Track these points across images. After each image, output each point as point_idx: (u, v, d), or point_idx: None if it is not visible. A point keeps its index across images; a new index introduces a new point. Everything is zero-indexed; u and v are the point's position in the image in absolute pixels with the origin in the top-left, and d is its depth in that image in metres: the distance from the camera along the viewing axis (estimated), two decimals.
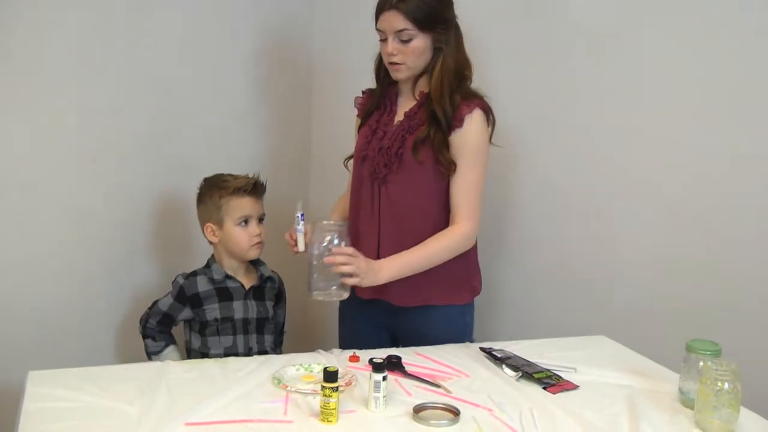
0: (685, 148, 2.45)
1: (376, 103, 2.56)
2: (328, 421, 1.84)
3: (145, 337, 2.69)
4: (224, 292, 2.60)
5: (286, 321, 2.90)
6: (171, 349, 2.70)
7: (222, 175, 2.71)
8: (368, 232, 2.49)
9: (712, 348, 1.95)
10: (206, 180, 2.72)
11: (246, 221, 2.63)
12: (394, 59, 2.38)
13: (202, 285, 2.62)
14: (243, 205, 2.63)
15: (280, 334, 2.79)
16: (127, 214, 3.07)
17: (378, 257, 2.42)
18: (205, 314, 2.57)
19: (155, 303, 2.67)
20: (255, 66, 3.40)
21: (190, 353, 2.65)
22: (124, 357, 3.05)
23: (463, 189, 2.42)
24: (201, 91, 3.22)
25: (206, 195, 2.69)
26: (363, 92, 2.64)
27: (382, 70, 2.52)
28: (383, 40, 2.39)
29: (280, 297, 2.78)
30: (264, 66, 3.43)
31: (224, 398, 1.96)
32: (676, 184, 2.48)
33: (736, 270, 2.34)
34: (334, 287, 2.27)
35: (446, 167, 2.40)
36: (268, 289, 2.70)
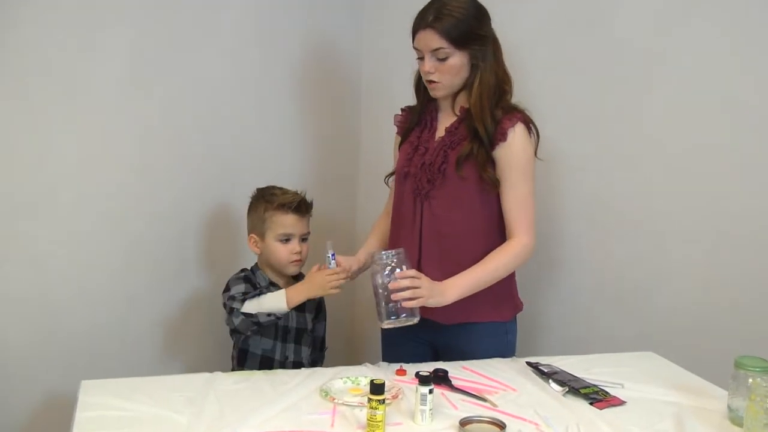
0: (730, 160, 2.45)
1: (416, 119, 2.58)
2: None
3: (241, 304, 2.51)
4: None
5: (332, 336, 2.91)
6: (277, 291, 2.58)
7: (272, 187, 2.72)
8: (409, 248, 2.45)
9: (762, 365, 1.94)
10: (258, 190, 2.74)
11: (288, 239, 2.63)
12: (432, 77, 2.40)
13: (259, 281, 2.64)
14: (286, 222, 2.63)
15: (321, 350, 2.81)
16: (175, 228, 3.09)
17: (419, 269, 2.41)
18: None
19: (227, 292, 2.58)
20: (303, 81, 3.42)
21: (235, 344, 2.65)
22: (173, 370, 3.09)
23: (517, 203, 2.43)
24: (248, 107, 3.25)
25: (254, 205, 2.71)
26: (402, 109, 2.66)
27: (421, 87, 2.54)
28: (420, 59, 2.41)
29: (319, 311, 2.79)
30: (312, 81, 3.46)
31: (272, 409, 1.99)
32: (723, 196, 2.48)
33: None
34: (404, 315, 2.26)
35: (490, 184, 2.41)
36: (308, 302, 2.71)
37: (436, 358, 2.53)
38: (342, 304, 3.35)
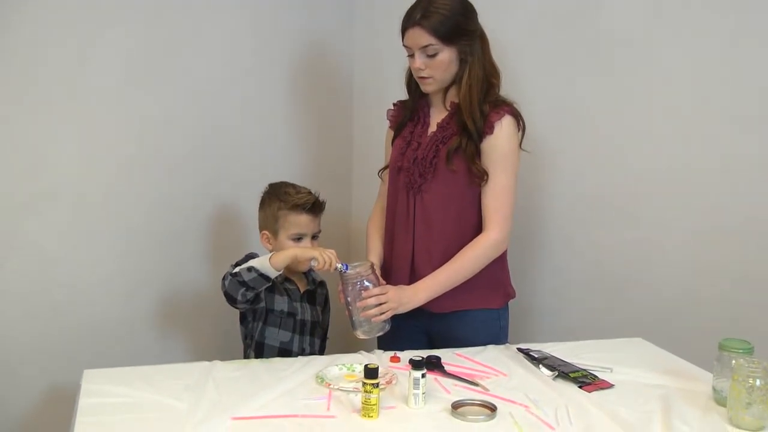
0: (716, 151, 2.50)
1: (409, 115, 2.63)
2: (369, 416, 1.90)
3: (233, 269, 2.49)
4: (285, 292, 2.64)
5: (329, 325, 2.95)
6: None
7: (285, 185, 2.71)
8: (404, 239, 2.56)
9: (745, 346, 1.98)
10: (270, 186, 2.74)
11: (300, 238, 2.65)
12: (422, 73, 2.46)
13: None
14: (299, 221, 2.64)
15: (324, 339, 2.85)
16: (174, 224, 3.13)
17: (412, 263, 2.53)
18: (274, 302, 2.59)
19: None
20: (296, 79, 3.46)
21: (246, 338, 2.67)
22: (174, 360, 3.12)
23: (494, 195, 2.48)
24: (243, 105, 3.28)
25: (267, 202, 2.71)
26: (394, 104, 2.71)
27: (412, 83, 2.59)
28: (411, 56, 2.46)
29: (326, 302, 2.82)
30: (305, 79, 3.49)
31: (269, 395, 2.04)
32: (707, 187, 2.53)
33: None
34: (376, 328, 2.40)
35: (479, 176, 2.46)
36: (319, 294, 2.75)
37: (431, 346, 2.58)
38: (337, 295, 3.39)
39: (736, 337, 2.04)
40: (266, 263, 2.40)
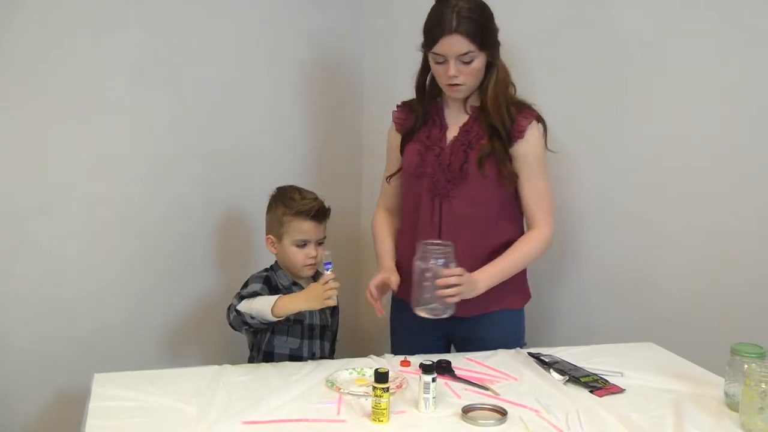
0: (730, 153, 2.48)
1: (421, 118, 2.58)
2: (379, 420, 1.90)
3: (240, 302, 2.48)
4: None
5: (339, 330, 2.95)
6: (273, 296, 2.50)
7: (292, 189, 2.70)
8: None
9: (757, 351, 1.98)
10: (278, 190, 2.73)
11: (304, 244, 2.64)
12: (456, 81, 2.41)
13: (281, 281, 2.65)
14: (303, 228, 2.62)
15: (333, 342, 2.84)
16: (184, 227, 3.12)
17: None
18: None
19: (244, 288, 2.58)
20: (306, 81, 3.45)
21: (252, 349, 2.67)
22: (182, 365, 3.12)
23: (537, 195, 2.51)
24: (253, 107, 3.27)
25: (273, 207, 2.70)
26: (399, 106, 2.67)
27: (425, 87, 2.56)
28: (441, 63, 2.40)
29: (335, 306, 2.82)
30: (315, 81, 3.49)
31: (280, 399, 2.04)
32: (721, 189, 2.51)
33: None
34: (441, 308, 2.34)
35: (509, 179, 2.46)
36: None
37: (448, 349, 2.57)
38: (348, 298, 3.38)
39: (748, 342, 2.03)
40: (268, 312, 2.36)
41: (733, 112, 2.47)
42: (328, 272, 2.33)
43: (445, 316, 2.34)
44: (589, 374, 2.22)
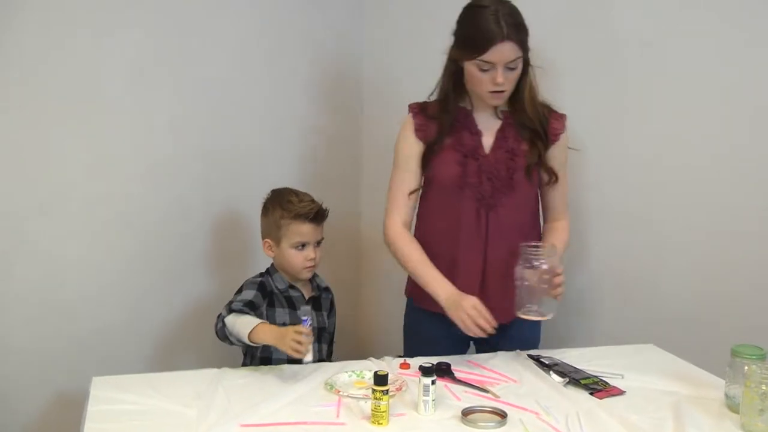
0: (730, 153, 2.48)
1: (449, 127, 2.47)
2: (378, 423, 1.90)
3: (229, 313, 2.43)
4: (289, 301, 2.63)
5: (337, 332, 2.94)
6: (257, 318, 2.41)
7: (288, 192, 2.68)
8: (473, 257, 2.46)
9: (757, 352, 1.97)
10: (273, 193, 2.72)
11: (303, 246, 2.63)
12: (502, 88, 2.34)
13: (277, 284, 2.65)
14: (302, 230, 2.61)
15: (331, 344, 2.84)
16: (183, 229, 3.12)
17: (483, 281, 2.45)
18: (275, 316, 2.57)
19: (237, 294, 2.56)
20: (306, 83, 3.45)
21: (246, 356, 2.66)
22: (181, 368, 3.12)
23: (562, 195, 2.57)
24: (252, 108, 3.27)
25: (269, 210, 2.68)
26: (414, 111, 2.53)
27: (452, 94, 2.46)
28: (486, 71, 2.31)
29: (332, 307, 2.81)
30: (315, 83, 3.49)
31: (278, 402, 2.03)
32: (722, 191, 2.51)
33: None
34: (546, 306, 2.33)
35: (550, 180, 2.49)
36: (324, 300, 2.74)
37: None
38: (347, 300, 3.38)
39: (748, 343, 2.02)
40: (245, 335, 2.29)
41: (733, 112, 2.47)
42: (306, 327, 2.21)
43: (548, 318, 2.35)
44: (589, 376, 2.22)
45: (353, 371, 2.26)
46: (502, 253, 2.44)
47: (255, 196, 2.76)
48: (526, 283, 2.30)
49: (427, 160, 2.49)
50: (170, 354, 3.15)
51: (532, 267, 2.30)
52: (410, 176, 2.53)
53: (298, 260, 2.60)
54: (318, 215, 2.63)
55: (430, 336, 2.56)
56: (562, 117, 2.49)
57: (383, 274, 3.67)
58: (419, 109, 2.53)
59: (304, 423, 1.91)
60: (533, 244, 2.34)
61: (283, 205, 2.62)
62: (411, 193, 2.52)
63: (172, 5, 2.98)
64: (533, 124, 2.43)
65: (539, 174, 2.47)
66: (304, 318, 2.22)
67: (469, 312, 2.27)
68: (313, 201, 2.64)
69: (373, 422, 1.90)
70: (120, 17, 2.85)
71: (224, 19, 3.15)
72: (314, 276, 2.71)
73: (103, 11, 2.80)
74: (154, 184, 3.01)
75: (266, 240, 2.66)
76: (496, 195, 2.43)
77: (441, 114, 2.47)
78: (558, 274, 2.31)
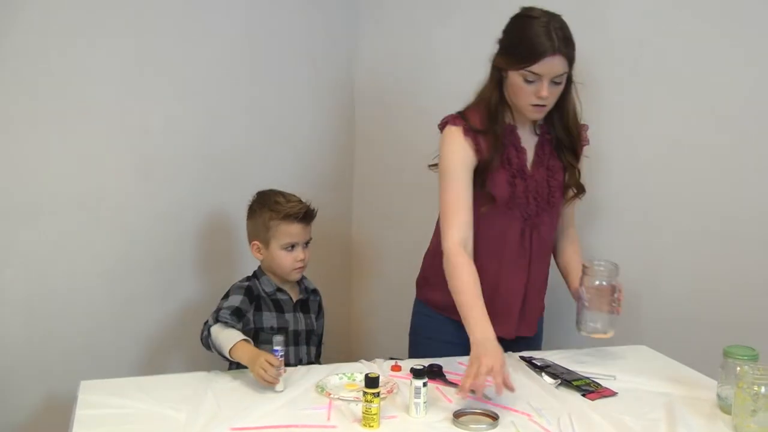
0: (722, 157, 2.48)
1: (501, 144, 2.37)
2: (370, 426, 1.89)
3: (215, 323, 2.40)
4: (276, 304, 2.62)
5: (329, 334, 2.93)
6: (240, 333, 2.36)
7: (275, 194, 2.67)
8: (516, 276, 2.44)
9: (750, 353, 1.97)
10: (259, 195, 2.71)
11: (292, 246, 2.62)
12: (546, 102, 2.29)
13: (264, 287, 2.63)
14: (292, 231, 2.60)
15: (319, 346, 2.82)
16: (173, 231, 3.10)
17: (524, 300, 2.47)
18: (263, 320, 2.56)
19: (224, 300, 2.53)
20: (298, 85, 3.44)
21: (232, 363, 2.65)
22: (170, 371, 3.10)
23: (575, 202, 2.55)
24: (244, 111, 3.26)
25: (257, 212, 2.67)
26: (463, 126, 2.36)
27: (499, 109, 2.37)
28: (531, 82, 2.25)
29: (320, 309, 2.80)
30: (307, 84, 3.47)
31: (269, 405, 2.02)
32: (712, 194, 2.51)
33: None
34: (608, 323, 2.35)
35: (578, 195, 2.50)
36: (312, 302, 2.73)
37: None
38: (338, 302, 3.37)
39: (740, 344, 2.02)
40: (227, 350, 2.26)
41: (732, 112, 2.46)
42: (278, 358, 2.14)
43: (611, 334, 2.36)
44: (581, 378, 2.21)
45: (344, 374, 2.25)
46: (542, 269, 2.49)
47: (247, 198, 2.75)
48: (591, 301, 2.33)
49: (481, 178, 2.38)
50: (159, 357, 3.13)
51: (599, 286, 2.33)
52: (465, 191, 2.35)
53: (288, 261, 2.59)
54: (307, 215, 2.62)
55: (446, 340, 2.50)
56: (585, 128, 2.48)
57: (374, 276, 3.67)
58: (467, 124, 2.37)
59: (295, 426, 1.90)
60: (597, 262, 2.35)
61: (271, 207, 2.61)
62: (468, 208, 2.34)
63: (165, 7, 2.96)
64: (572, 142, 2.42)
65: (575, 191, 2.48)
66: (275, 348, 2.15)
67: (493, 367, 2.01)
68: (300, 201, 2.63)
69: (364, 425, 1.89)
70: (112, 19, 2.82)
71: (216, 21, 3.13)
72: (302, 278, 2.70)
73: (96, 12, 2.78)
74: (144, 186, 2.99)
75: (254, 242, 2.64)
76: (540, 214, 2.42)
77: (490, 128, 2.36)
78: (620, 291, 2.33)
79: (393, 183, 3.49)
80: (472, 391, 1.98)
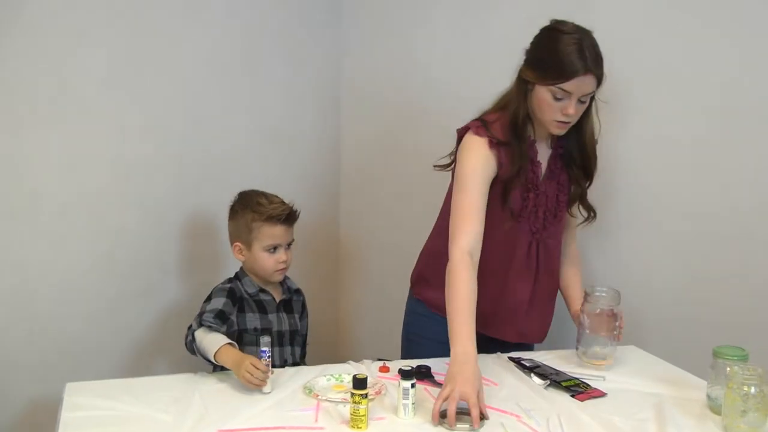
0: (713, 158, 2.48)
1: (526, 160, 2.35)
2: (358, 427, 1.88)
3: (199, 327, 2.37)
4: (259, 305, 2.61)
5: (316, 335, 2.92)
6: (225, 337, 2.34)
7: (257, 195, 2.65)
8: (521, 288, 2.45)
9: (739, 353, 1.97)
10: (240, 196, 2.69)
11: (275, 248, 2.61)
12: (571, 119, 2.27)
13: (247, 288, 2.62)
14: (274, 233, 2.59)
15: (304, 346, 2.81)
16: (158, 232, 3.09)
17: (529, 310, 2.47)
18: (246, 321, 2.55)
19: (207, 303, 2.50)
20: (283, 84, 3.43)
21: (216, 366, 2.63)
22: (157, 373, 3.09)
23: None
24: (229, 111, 3.25)
25: (238, 213, 2.65)
26: (488, 137, 2.31)
27: (526, 123, 2.33)
28: (559, 99, 2.22)
29: (304, 309, 2.78)
30: (292, 84, 3.46)
31: (256, 407, 2.01)
32: (703, 195, 2.51)
33: (763, 275, 2.37)
34: (606, 350, 2.35)
35: (588, 218, 2.50)
36: (295, 302, 2.71)
37: None
38: (326, 303, 3.36)
39: (730, 344, 2.02)
40: (211, 354, 2.24)
41: (731, 112, 2.45)
42: (264, 360, 2.13)
43: (611, 361, 2.36)
44: (570, 378, 2.21)
45: (332, 375, 2.23)
46: (547, 281, 2.49)
47: (229, 199, 2.73)
48: (591, 327, 2.34)
49: (499, 191, 2.35)
50: (144, 358, 3.12)
51: (600, 313, 2.33)
52: (481, 201, 2.30)
53: (270, 263, 2.57)
54: (289, 217, 2.60)
55: (444, 341, 2.48)
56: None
57: (362, 277, 3.66)
58: (487, 131, 2.33)
59: (283, 428, 1.89)
60: (599, 288, 2.36)
61: (254, 208, 2.59)
62: (480, 219, 2.28)
63: (146, 6, 2.95)
64: (583, 159, 2.41)
65: (577, 209, 2.48)
66: (262, 349, 2.13)
67: (468, 397, 1.94)
68: (283, 203, 2.62)
69: (352, 426, 1.88)
70: (92, 19, 2.81)
71: (199, 20, 3.12)
72: (285, 278, 2.68)
73: (76, 13, 2.77)
74: (126, 187, 2.98)
75: (236, 244, 2.62)
76: (547, 227, 2.43)
77: (514, 142, 2.33)
78: (621, 318, 2.35)
79: (380, 183, 3.48)
80: (443, 416, 1.92)
